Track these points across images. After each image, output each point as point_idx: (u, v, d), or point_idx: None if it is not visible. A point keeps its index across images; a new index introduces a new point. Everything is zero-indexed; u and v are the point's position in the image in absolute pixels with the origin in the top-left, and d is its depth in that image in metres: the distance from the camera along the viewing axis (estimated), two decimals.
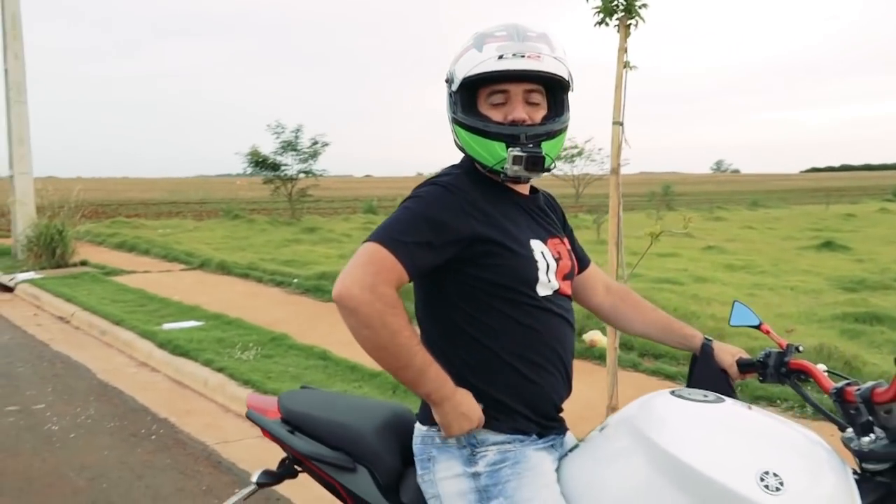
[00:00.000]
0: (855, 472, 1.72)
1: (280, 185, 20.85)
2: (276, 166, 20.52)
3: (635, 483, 1.69)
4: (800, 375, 1.95)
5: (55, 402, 5.62)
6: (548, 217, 1.99)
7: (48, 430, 5.02)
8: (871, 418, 1.71)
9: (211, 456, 4.52)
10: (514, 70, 1.75)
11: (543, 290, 1.84)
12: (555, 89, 1.85)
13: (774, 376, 1.97)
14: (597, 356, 6.26)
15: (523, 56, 1.74)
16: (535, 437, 1.85)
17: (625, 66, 3.60)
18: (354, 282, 1.64)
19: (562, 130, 1.85)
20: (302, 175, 20.69)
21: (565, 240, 2.01)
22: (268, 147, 20.64)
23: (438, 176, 1.86)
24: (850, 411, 1.75)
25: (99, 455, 4.54)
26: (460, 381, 1.79)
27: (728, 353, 2.05)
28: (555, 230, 1.98)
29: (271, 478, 2.17)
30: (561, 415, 1.95)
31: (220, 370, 6.11)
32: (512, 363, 1.82)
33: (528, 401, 1.84)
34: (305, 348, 6.69)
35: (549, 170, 1.84)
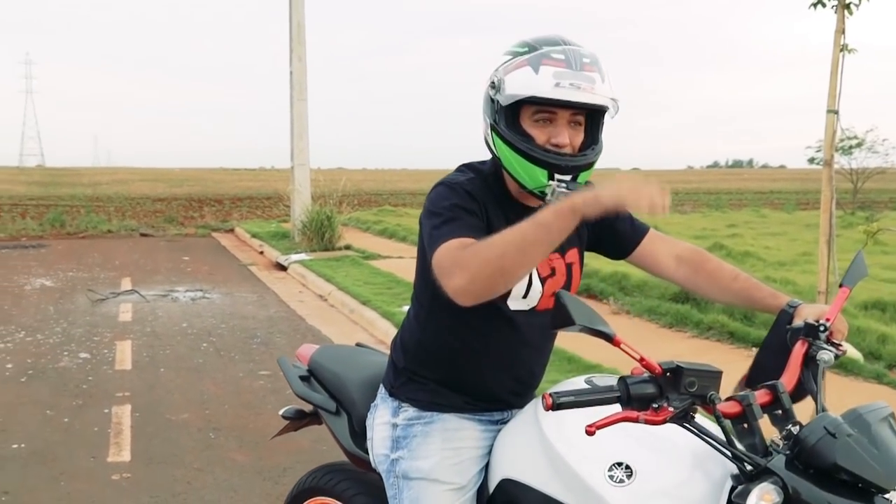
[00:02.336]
0: None
1: None
2: None
3: (524, 458, 1.84)
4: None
5: None
6: None
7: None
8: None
9: None
10: (571, 101, 1.76)
11: (516, 304, 1.92)
12: (595, 114, 1.86)
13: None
14: (842, 366, 5.74)
15: (579, 87, 1.75)
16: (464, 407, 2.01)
17: (842, 50, 3.33)
18: (448, 278, 1.66)
19: (597, 160, 1.87)
20: None
21: (571, 251, 2.00)
22: None
23: (450, 176, 1.93)
24: None
25: None
26: (408, 349, 2.04)
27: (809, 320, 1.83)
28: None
29: (297, 415, 2.57)
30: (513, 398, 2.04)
31: None
32: (461, 356, 1.97)
33: (462, 388, 2.00)
34: None
35: None
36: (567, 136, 1.81)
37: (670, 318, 7.53)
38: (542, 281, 1.93)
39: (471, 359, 1.97)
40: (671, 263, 2.10)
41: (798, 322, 1.81)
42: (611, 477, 1.64)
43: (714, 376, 1.47)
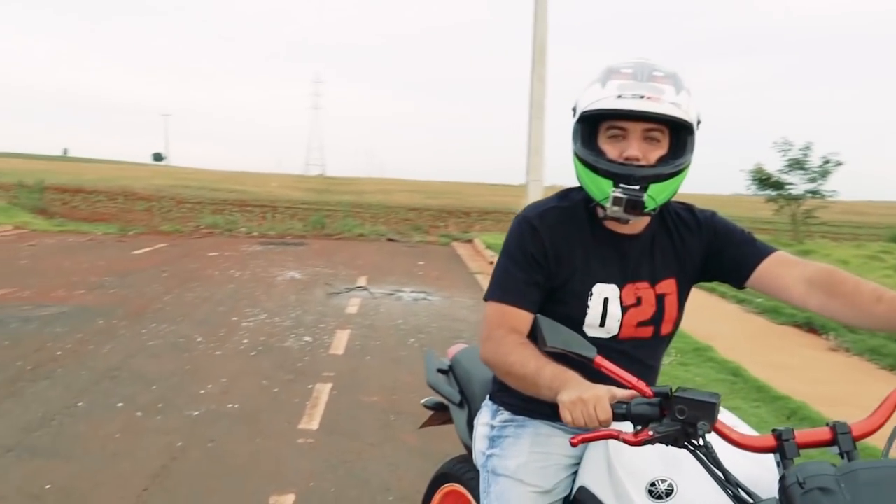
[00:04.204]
0: None
1: (784, 205, 20.03)
2: (779, 185, 19.76)
3: (594, 468, 1.88)
4: None
5: None
6: (651, 258, 1.97)
7: None
8: None
9: None
10: (630, 110, 1.74)
11: (593, 331, 1.91)
12: (678, 129, 1.81)
13: None
14: None
15: (642, 97, 1.74)
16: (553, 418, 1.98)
17: None
18: (482, 342, 1.90)
19: (675, 174, 1.81)
20: (808, 195, 19.59)
21: (667, 282, 1.97)
22: (774, 165, 20.01)
23: (535, 205, 2.00)
24: None
25: None
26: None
27: None
28: (645, 274, 1.95)
29: (436, 405, 2.77)
30: None
31: None
32: None
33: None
34: (722, 362, 6.67)
35: (651, 213, 1.84)
36: (637, 150, 1.78)
37: (893, 360, 6.93)
38: (624, 310, 1.92)
39: None
40: (801, 289, 1.87)
41: None
42: (651, 492, 1.66)
43: (704, 406, 1.41)
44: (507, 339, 1.82)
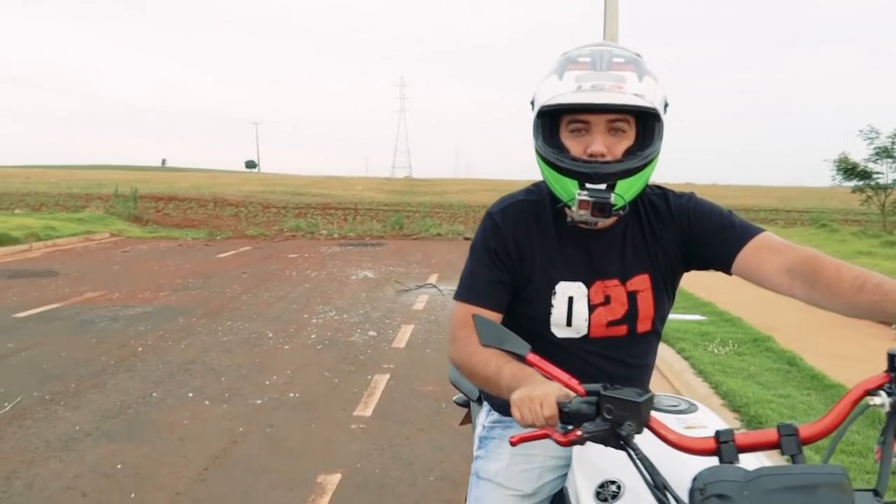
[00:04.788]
0: None
1: (872, 195, 19.36)
2: (866, 174, 19.10)
3: (571, 470, 1.80)
4: None
5: None
6: (621, 253, 1.86)
7: None
8: None
9: None
10: (590, 104, 1.63)
11: (561, 332, 1.85)
12: (645, 116, 1.68)
13: None
14: None
15: (602, 88, 1.62)
16: None
17: None
18: (449, 342, 1.86)
19: (644, 166, 1.69)
20: None
21: (639, 278, 1.85)
22: (860, 154, 19.37)
23: (503, 200, 1.92)
24: None
25: None
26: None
27: None
28: (614, 271, 1.84)
29: (466, 403, 2.76)
30: None
31: (686, 358, 6.52)
32: None
33: None
34: (779, 352, 6.63)
35: (620, 213, 1.73)
36: (601, 144, 1.66)
37: None
38: (591, 309, 1.83)
39: None
40: (783, 278, 1.70)
41: None
42: (598, 494, 1.61)
43: (630, 405, 1.34)
44: (471, 339, 1.74)
